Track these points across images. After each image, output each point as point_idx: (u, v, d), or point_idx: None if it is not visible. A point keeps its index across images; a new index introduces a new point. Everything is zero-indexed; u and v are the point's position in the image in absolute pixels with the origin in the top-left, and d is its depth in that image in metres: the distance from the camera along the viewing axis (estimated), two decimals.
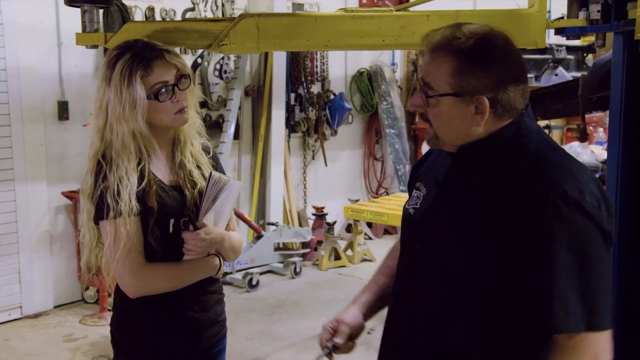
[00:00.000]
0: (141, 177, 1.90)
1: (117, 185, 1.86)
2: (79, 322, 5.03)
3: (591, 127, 7.18)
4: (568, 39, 2.73)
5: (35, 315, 5.19)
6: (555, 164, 1.44)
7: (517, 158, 1.47)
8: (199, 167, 2.06)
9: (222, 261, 2.06)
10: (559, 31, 2.60)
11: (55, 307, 5.34)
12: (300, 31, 2.37)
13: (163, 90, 1.90)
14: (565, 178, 1.39)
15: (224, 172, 2.13)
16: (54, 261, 5.31)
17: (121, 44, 1.96)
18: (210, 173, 1.99)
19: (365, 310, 1.74)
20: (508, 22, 2.49)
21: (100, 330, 4.83)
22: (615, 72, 2.45)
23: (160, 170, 2.00)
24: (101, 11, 2.39)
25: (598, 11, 2.41)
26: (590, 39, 3.29)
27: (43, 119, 5.16)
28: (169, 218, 1.95)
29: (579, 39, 2.78)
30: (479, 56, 1.43)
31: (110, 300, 4.80)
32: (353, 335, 1.70)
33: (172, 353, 2.02)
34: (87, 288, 5.41)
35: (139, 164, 1.91)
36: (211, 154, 2.15)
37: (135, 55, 1.90)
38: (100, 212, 1.88)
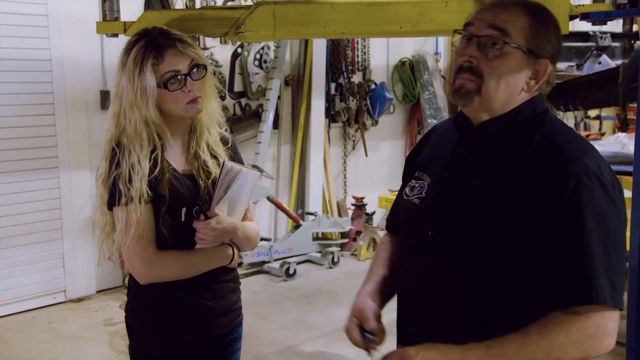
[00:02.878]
0: (154, 165, 1.92)
1: (129, 172, 1.88)
2: (120, 307, 5.13)
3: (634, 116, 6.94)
4: (594, 24, 2.65)
5: (79, 300, 5.34)
6: (572, 140, 1.46)
7: (535, 135, 1.47)
8: (214, 158, 2.06)
9: (235, 251, 2.07)
10: (584, 16, 2.52)
11: (97, 292, 5.48)
12: (316, 18, 2.36)
13: (173, 79, 1.91)
14: (584, 153, 1.42)
15: (242, 163, 2.13)
16: (96, 247, 5.41)
17: (139, 32, 1.98)
18: (223, 162, 1.99)
19: (375, 299, 1.72)
20: None
21: None
22: None
23: (175, 158, 2.01)
24: (130, 1, 2.44)
25: None
26: (628, 25, 3.18)
27: (86, 108, 5.28)
28: (181, 206, 1.96)
29: (605, 23, 2.70)
30: (550, 22, 1.47)
31: None
32: (378, 318, 1.69)
33: (185, 339, 2.04)
34: (127, 274, 5.50)
35: (153, 151, 1.93)
36: (229, 144, 2.14)
37: (149, 43, 1.91)
38: (113, 198, 1.91)
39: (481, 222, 1.46)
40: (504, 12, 1.44)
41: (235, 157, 2.15)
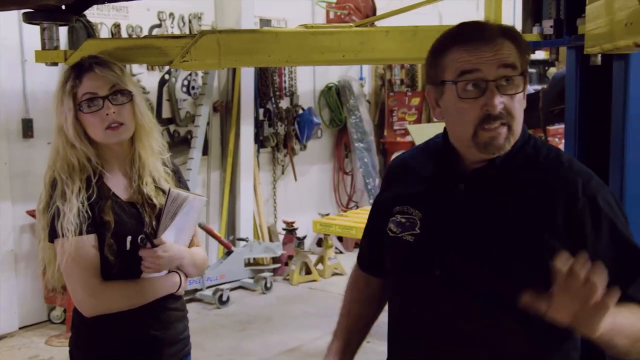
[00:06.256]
0: (96, 190, 1.89)
1: (65, 203, 1.85)
2: (45, 343, 4.96)
3: (557, 139, 7.29)
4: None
5: (1, 337, 5.09)
6: (568, 157, 1.49)
7: (537, 158, 1.46)
8: (159, 190, 2.02)
9: (182, 278, 2.04)
10: None
11: (20, 328, 5.24)
12: (261, 47, 2.39)
13: (89, 102, 1.88)
14: (584, 168, 1.46)
15: (188, 190, 2.11)
16: (19, 281, 5.21)
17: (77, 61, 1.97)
18: (169, 190, 1.97)
19: (344, 357, 1.70)
20: None
21: (67, 350, 4.74)
22: (569, 85, 2.51)
23: (117, 186, 1.97)
24: (64, 29, 2.39)
25: (551, 26, 2.45)
26: (548, 53, 3.37)
27: (7, 137, 5.10)
28: (126, 235, 1.92)
29: (534, 52, 2.84)
30: (524, 42, 1.44)
31: None
32: None
33: None
34: (53, 308, 5.32)
35: (89, 178, 1.90)
36: (172, 172, 2.11)
37: (72, 68, 1.92)
38: (53, 231, 1.87)
39: (510, 254, 1.39)
40: (501, 47, 1.37)
41: (180, 184, 2.13)
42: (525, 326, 1.39)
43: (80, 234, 1.85)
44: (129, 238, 1.93)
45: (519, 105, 1.39)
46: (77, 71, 1.90)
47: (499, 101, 1.35)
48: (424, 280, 1.48)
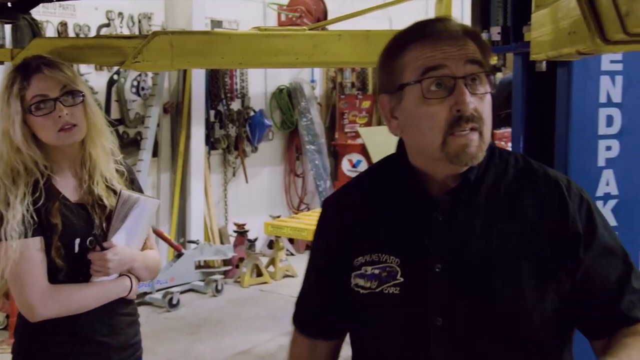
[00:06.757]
0: (43, 193, 1.84)
1: (9, 209, 1.80)
2: None
3: (503, 142, 7.46)
4: None
5: None
6: (535, 162, 1.34)
7: (506, 171, 1.30)
8: (110, 190, 1.98)
9: (133, 282, 2.00)
10: None
11: None
12: (214, 49, 2.40)
13: (41, 104, 1.83)
14: (554, 170, 1.35)
15: (141, 191, 2.08)
16: None
17: (21, 61, 1.92)
18: (120, 191, 1.94)
19: None
20: None
21: (10, 358, 4.63)
22: (515, 90, 2.57)
23: (67, 188, 1.93)
24: (9, 26, 2.35)
25: (498, 33, 2.49)
26: (495, 58, 3.45)
27: None
28: (74, 237, 1.88)
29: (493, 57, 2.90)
30: (486, 44, 1.29)
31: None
32: None
33: None
34: None
35: (39, 180, 1.85)
36: (126, 173, 2.07)
37: (17, 70, 1.86)
38: (11, 230, 1.81)
39: (521, 286, 1.22)
40: (465, 43, 1.22)
41: (133, 185, 2.09)
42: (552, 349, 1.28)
43: (26, 237, 1.80)
44: (77, 240, 1.88)
45: (488, 109, 1.23)
46: (24, 72, 1.85)
47: (470, 100, 1.19)
48: (419, 332, 1.26)
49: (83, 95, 1.90)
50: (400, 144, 1.35)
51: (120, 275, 1.98)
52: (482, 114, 1.20)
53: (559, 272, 1.23)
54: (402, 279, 1.26)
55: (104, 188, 1.97)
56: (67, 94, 1.86)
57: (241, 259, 6.62)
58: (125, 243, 1.96)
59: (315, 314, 1.45)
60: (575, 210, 1.25)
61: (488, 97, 1.23)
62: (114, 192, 1.98)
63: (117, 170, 2.04)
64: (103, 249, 1.88)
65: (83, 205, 1.94)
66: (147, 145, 5.96)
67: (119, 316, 2.00)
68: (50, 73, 1.85)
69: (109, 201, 1.96)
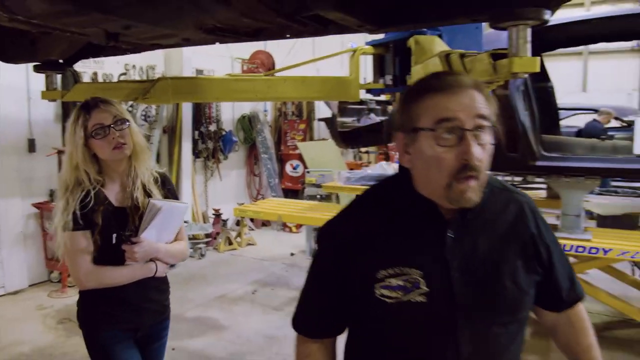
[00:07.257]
0: (93, 199, 1.77)
1: (70, 207, 1.75)
2: (47, 296, 4.67)
3: (392, 152, 7.66)
4: (375, 95, 2.92)
5: (15, 292, 4.79)
6: (498, 180, 1.18)
7: (492, 188, 1.13)
8: (148, 194, 1.86)
9: (159, 266, 1.89)
10: (368, 91, 2.78)
11: (29, 286, 4.94)
12: (199, 89, 2.39)
13: (99, 130, 1.77)
14: (511, 185, 1.21)
15: (174, 192, 1.97)
16: (27, 253, 4.96)
17: (83, 101, 1.85)
18: (149, 201, 1.82)
19: None
20: (337, 84, 2.62)
21: (63, 301, 4.50)
22: None
23: (113, 194, 1.85)
24: (59, 76, 2.28)
25: (390, 79, 2.60)
26: (388, 96, 3.56)
27: (17, 152, 4.88)
28: (112, 232, 1.81)
29: (380, 95, 2.98)
30: (489, 96, 1.05)
31: (70, 279, 4.50)
32: None
33: (121, 326, 1.87)
34: (52, 272, 5.06)
35: (90, 190, 1.78)
36: (159, 179, 1.93)
37: (81, 108, 1.81)
38: (66, 225, 1.76)
39: (521, 287, 1.09)
40: (475, 97, 1.01)
41: (168, 192, 1.94)
42: (522, 327, 1.14)
43: (77, 229, 1.75)
44: (114, 235, 1.82)
45: (488, 157, 1.03)
46: (86, 109, 1.79)
47: (477, 150, 0.99)
48: (445, 332, 1.05)
49: (129, 122, 1.83)
50: (402, 172, 1.13)
51: (149, 261, 1.88)
52: (483, 164, 1.01)
53: (537, 267, 1.12)
54: (427, 289, 1.04)
55: (142, 192, 1.88)
56: (117, 122, 1.80)
57: (218, 233, 6.53)
58: (155, 238, 1.86)
59: (321, 319, 1.18)
60: (540, 223, 1.15)
61: (490, 148, 1.02)
62: (149, 195, 1.88)
63: (154, 179, 1.94)
64: (132, 243, 1.81)
65: (123, 208, 1.85)
66: (152, 156, 5.81)
67: (150, 288, 1.91)
68: (105, 107, 1.80)
69: (143, 205, 1.86)
